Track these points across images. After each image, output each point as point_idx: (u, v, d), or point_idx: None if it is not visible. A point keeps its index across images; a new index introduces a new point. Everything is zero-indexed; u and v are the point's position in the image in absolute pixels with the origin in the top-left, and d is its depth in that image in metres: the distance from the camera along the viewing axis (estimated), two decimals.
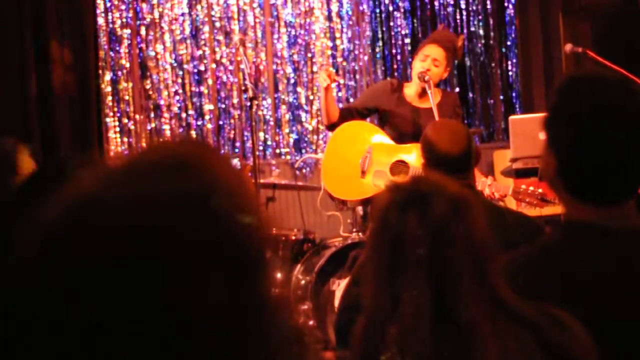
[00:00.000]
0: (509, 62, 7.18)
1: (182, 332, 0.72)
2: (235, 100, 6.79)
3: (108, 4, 6.55)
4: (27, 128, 5.82)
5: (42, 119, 5.90)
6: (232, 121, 6.80)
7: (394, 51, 7.00)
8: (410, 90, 4.71)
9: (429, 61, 4.57)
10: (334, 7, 6.91)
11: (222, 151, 6.51)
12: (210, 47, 6.74)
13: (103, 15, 6.53)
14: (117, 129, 6.60)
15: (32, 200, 1.12)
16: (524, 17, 6.94)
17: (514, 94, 7.18)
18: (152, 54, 6.65)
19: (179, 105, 6.71)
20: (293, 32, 6.87)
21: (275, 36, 6.86)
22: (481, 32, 7.14)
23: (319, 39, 6.90)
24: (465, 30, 7.11)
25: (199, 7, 6.71)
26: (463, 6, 7.08)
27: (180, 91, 6.70)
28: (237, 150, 6.79)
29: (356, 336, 1.59)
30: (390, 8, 7.01)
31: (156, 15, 6.64)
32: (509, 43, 7.17)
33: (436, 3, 7.05)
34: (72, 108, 6.05)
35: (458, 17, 7.09)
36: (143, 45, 6.65)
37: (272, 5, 6.84)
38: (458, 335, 1.47)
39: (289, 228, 5.46)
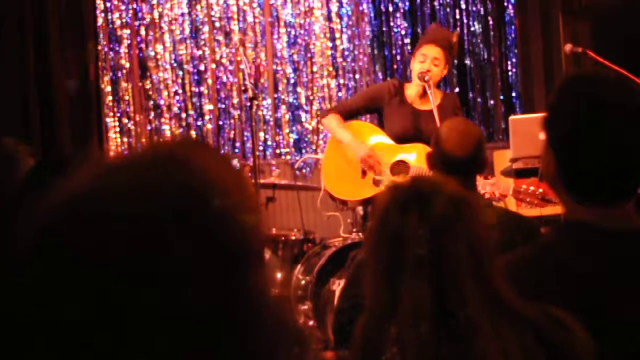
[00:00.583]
0: (509, 62, 7.18)
1: (179, 330, 0.72)
2: (235, 101, 6.79)
3: (108, 4, 6.55)
4: (27, 128, 5.82)
5: (42, 119, 5.90)
6: (232, 121, 6.80)
7: (393, 51, 7.00)
8: (411, 92, 4.71)
9: (428, 61, 4.57)
10: (334, 7, 6.91)
11: (222, 151, 6.51)
12: (210, 47, 6.74)
13: (103, 15, 6.53)
14: (117, 129, 6.60)
15: (32, 195, 1.12)
16: (524, 17, 6.95)
17: (513, 94, 7.18)
18: (152, 54, 6.65)
19: (178, 105, 6.71)
20: (293, 32, 6.87)
21: (275, 36, 6.86)
22: (481, 32, 7.14)
23: (319, 39, 6.90)
24: (465, 30, 7.11)
25: (198, 7, 6.71)
26: (463, 6, 7.08)
27: (180, 91, 6.70)
28: (237, 150, 6.79)
29: (356, 336, 1.59)
30: (390, 8, 7.01)
31: (156, 15, 6.64)
32: (508, 43, 7.17)
33: (436, 3, 7.05)
34: (72, 108, 6.05)
35: (458, 17, 7.09)
36: (143, 46, 6.65)
37: (271, 5, 6.84)
38: (458, 334, 1.47)
39: (289, 228, 5.46)
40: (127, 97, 6.63)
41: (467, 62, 7.14)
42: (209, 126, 6.75)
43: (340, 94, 6.87)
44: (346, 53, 6.96)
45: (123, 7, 6.58)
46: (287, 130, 6.88)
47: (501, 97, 7.18)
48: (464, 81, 7.15)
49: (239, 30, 6.73)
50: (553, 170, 1.74)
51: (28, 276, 0.73)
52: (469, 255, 1.51)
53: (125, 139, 6.62)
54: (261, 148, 6.76)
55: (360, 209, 4.96)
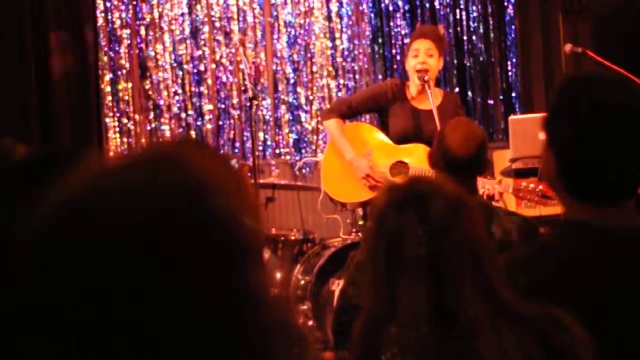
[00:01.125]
0: (509, 62, 7.18)
1: (179, 330, 0.72)
2: (235, 101, 6.79)
3: (108, 4, 6.55)
4: (27, 128, 5.82)
5: (42, 119, 5.90)
6: (231, 121, 6.80)
7: (393, 51, 7.01)
8: (412, 90, 4.70)
9: (422, 54, 4.57)
10: (334, 7, 6.92)
11: (222, 151, 6.51)
12: (210, 47, 6.74)
13: (103, 15, 6.53)
14: (117, 129, 6.60)
15: (25, 191, 1.12)
16: (524, 17, 6.95)
17: (513, 94, 7.18)
18: (152, 54, 6.65)
19: (178, 105, 6.71)
20: (293, 32, 6.87)
21: (275, 36, 6.86)
22: (481, 32, 7.14)
23: (319, 39, 6.90)
24: (465, 30, 7.11)
25: (198, 7, 6.71)
26: (463, 6, 7.08)
27: (180, 91, 6.70)
28: (237, 150, 6.79)
29: (355, 336, 1.59)
30: (390, 8, 7.01)
31: (156, 15, 6.64)
32: (508, 43, 7.17)
33: (436, 3, 7.05)
34: (72, 108, 6.05)
35: (458, 17, 7.09)
36: (143, 46, 6.65)
37: (271, 5, 6.84)
38: (458, 334, 1.47)
39: (289, 228, 5.46)
40: (126, 97, 6.62)
41: (467, 62, 7.14)
42: (209, 126, 6.75)
43: (340, 94, 6.87)
44: (346, 53, 6.96)
45: (123, 7, 6.58)
46: (286, 131, 6.88)
47: (501, 97, 7.18)
48: (464, 81, 7.15)
49: (239, 30, 6.73)
50: (553, 170, 1.74)
51: (26, 276, 0.73)
52: (468, 255, 1.51)
53: (125, 139, 6.62)
54: (261, 148, 6.76)
55: (359, 210, 4.97)
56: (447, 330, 1.47)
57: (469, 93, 7.15)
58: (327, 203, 5.05)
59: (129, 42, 6.61)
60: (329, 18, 6.91)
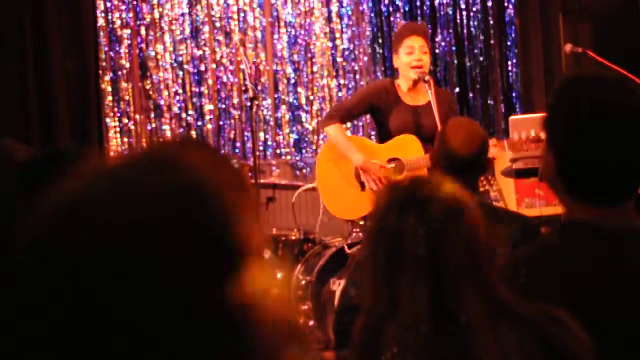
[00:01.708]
0: (509, 62, 7.18)
1: (180, 330, 0.72)
2: (235, 101, 6.79)
3: (108, 4, 6.55)
4: (27, 128, 5.82)
5: (42, 119, 5.90)
6: (232, 121, 6.80)
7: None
8: (403, 88, 4.73)
9: (417, 52, 4.62)
10: (334, 7, 6.92)
11: (222, 151, 6.51)
12: (210, 47, 6.74)
13: (103, 15, 6.53)
14: (117, 129, 6.59)
15: (26, 192, 1.12)
16: (524, 17, 6.95)
17: (514, 94, 7.18)
18: (152, 54, 6.65)
19: (179, 105, 6.71)
20: (293, 32, 6.87)
21: (275, 36, 6.86)
22: (481, 32, 7.14)
23: (319, 39, 6.90)
24: (465, 30, 7.11)
25: (199, 7, 6.71)
26: (463, 6, 7.08)
27: (181, 91, 6.70)
28: (237, 150, 6.79)
29: (356, 336, 1.59)
30: (390, 8, 7.01)
31: (156, 15, 6.64)
32: (508, 43, 7.17)
33: (436, 3, 7.05)
34: (72, 108, 6.05)
35: (458, 17, 7.09)
36: (143, 46, 6.65)
37: (272, 5, 6.84)
38: (457, 335, 1.47)
39: (289, 228, 5.46)
40: (127, 97, 6.62)
41: (467, 62, 7.14)
42: (209, 126, 6.75)
43: (340, 94, 6.87)
44: (346, 53, 6.96)
45: (123, 7, 6.58)
46: (287, 130, 6.88)
47: (501, 97, 7.18)
48: (464, 81, 7.15)
49: (239, 30, 6.73)
50: (553, 170, 1.74)
51: (26, 277, 0.73)
52: (468, 255, 1.51)
53: (125, 139, 6.62)
54: (261, 148, 6.76)
55: None
56: (447, 330, 1.47)
57: (469, 93, 7.15)
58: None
59: (129, 42, 6.61)
60: (329, 18, 6.91)
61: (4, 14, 5.82)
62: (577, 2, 6.67)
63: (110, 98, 6.56)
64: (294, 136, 6.88)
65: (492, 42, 7.15)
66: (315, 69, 6.88)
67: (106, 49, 6.55)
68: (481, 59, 7.16)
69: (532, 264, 1.74)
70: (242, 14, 6.79)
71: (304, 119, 6.89)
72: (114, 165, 0.79)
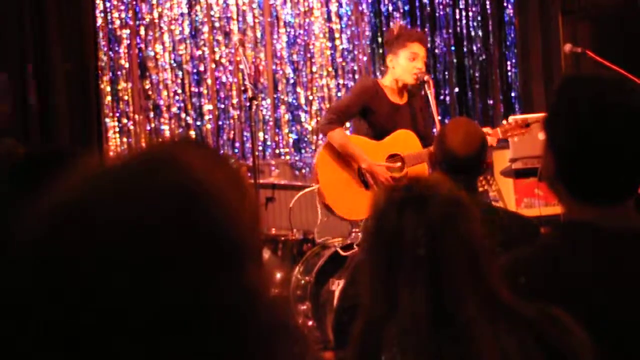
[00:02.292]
0: (508, 62, 7.19)
1: (179, 330, 0.72)
2: (234, 101, 6.79)
3: (107, 4, 6.55)
4: (26, 128, 5.82)
5: (41, 119, 5.90)
6: (231, 121, 6.80)
7: None
8: (389, 88, 4.80)
9: (420, 60, 4.73)
10: (333, 7, 6.92)
11: (221, 151, 6.51)
12: (209, 48, 6.74)
13: (102, 15, 6.53)
14: (117, 129, 6.59)
15: (22, 191, 1.11)
16: (523, 17, 6.95)
17: (513, 94, 7.18)
18: (152, 54, 6.65)
19: (178, 105, 6.71)
20: (292, 32, 6.87)
21: (275, 36, 6.86)
22: (480, 32, 7.14)
23: (319, 39, 6.90)
24: (464, 30, 7.11)
25: (198, 7, 6.70)
26: (462, 6, 7.08)
27: (180, 91, 6.70)
28: (236, 150, 6.79)
29: (355, 336, 1.59)
30: (390, 8, 7.01)
31: (155, 15, 6.63)
32: (508, 43, 7.17)
33: (435, 3, 7.05)
34: (71, 108, 6.05)
35: (457, 17, 7.09)
36: (142, 46, 6.65)
37: (271, 5, 6.84)
38: (457, 335, 1.47)
39: (289, 228, 5.46)
40: (126, 97, 6.62)
41: (467, 62, 7.14)
42: (209, 126, 6.75)
43: (339, 94, 6.87)
44: (346, 53, 6.96)
45: (122, 7, 6.58)
46: (286, 131, 6.88)
47: (500, 97, 7.18)
48: (463, 81, 7.16)
49: (239, 31, 6.73)
50: (553, 171, 1.74)
51: (25, 279, 0.73)
52: (467, 255, 1.51)
53: (124, 139, 6.62)
54: (260, 148, 6.76)
55: None
56: (446, 331, 1.47)
57: (469, 93, 7.15)
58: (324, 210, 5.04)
59: (128, 42, 6.61)
60: (328, 18, 6.91)
61: (4, 14, 5.81)
62: (577, 2, 6.68)
63: (109, 98, 6.56)
64: (293, 136, 6.88)
65: (491, 42, 7.15)
66: (314, 69, 6.88)
67: (105, 49, 6.55)
68: (480, 59, 7.16)
69: (531, 264, 1.74)
70: (241, 14, 6.78)
71: (303, 119, 6.89)
72: (113, 165, 0.79)
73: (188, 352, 0.72)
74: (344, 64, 6.95)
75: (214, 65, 6.74)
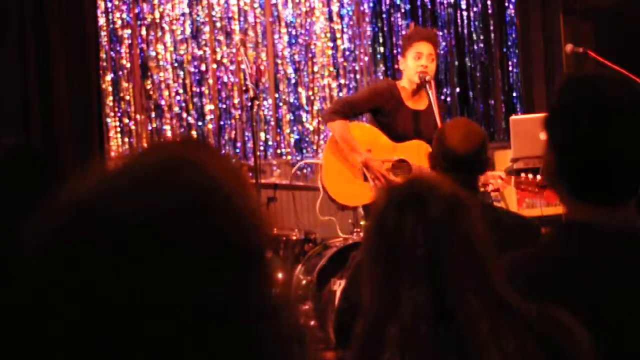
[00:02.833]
0: (510, 63, 7.18)
1: (191, 330, 0.72)
2: (236, 101, 6.79)
3: (109, 4, 6.55)
4: (27, 128, 5.82)
5: (42, 119, 5.90)
6: (233, 121, 6.80)
7: (394, 51, 7.01)
8: (406, 91, 4.76)
9: (425, 58, 4.68)
10: (335, 7, 6.92)
11: (223, 151, 6.52)
12: (211, 47, 6.74)
13: (104, 15, 6.53)
14: (118, 129, 6.60)
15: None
16: (525, 17, 6.94)
17: (514, 94, 7.18)
18: (153, 54, 6.65)
19: (179, 105, 6.71)
20: (294, 32, 6.87)
21: (276, 36, 6.86)
22: (481, 32, 7.14)
23: (320, 39, 6.90)
24: (465, 30, 7.11)
25: (199, 7, 6.71)
26: (463, 6, 7.08)
27: (181, 91, 6.70)
28: (238, 150, 6.79)
29: (356, 336, 1.59)
30: (391, 8, 7.01)
31: (157, 15, 6.64)
32: (509, 43, 7.17)
33: (436, 3, 7.05)
34: (72, 108, 6.05)
35: (458, 17, 7.09)
36: (144, 46, 6.65)
37: (272, 5, 6.84)
38: (458, 335, 1.47)
39: (290, 228, 5.46)
40: (128, 97, 6.63)
41: (468, 62, 7.14)
42: (210, 126, 6.76)
43: (341, 94, 6.87)
44: (347, 53, 6.96)
45: (124, 7, 6.59)
46: (288, 131, 6.88)
47: (502, 98, 7.18)
48: (465, 81, 7.16)
49: (240, 30, 6.73)
50: (554, 171, 1.74)
51: (38, 280, 0.73)
52: (467, 255, 1.51)
53: (126, 139, 6.62)
54: (262, 148, 6.76)
55: (361, 209, 4.97)
56: (446, 330, 1.47)
57: (470, 93, 7.15)
58: (325, 204, 5.05)
59: (130, 42, 6.62)
60: (330, 18, 6.92)
61: (5, 14, 5.82)
62: (578, 2, 6.67)
63: (111, 98, 6.57)
64: (294, 136, 6.88)
65: (492, 42, 7.15)
66: (316, 69, 6.88)
67: (107, 48, 6.55)
68: (482, 59, 7.16)
69: (532, 264, 1.74)
70: (243, 14, 6.79)
71: (304, 119, 6.89)
72: (128, 164, 0.79)
73: (203, 352, 0.72)
74: (345, 64, 6.95)
75: (215, 65, 6.75)
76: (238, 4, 6.76)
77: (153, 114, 6.68)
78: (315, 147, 6.84)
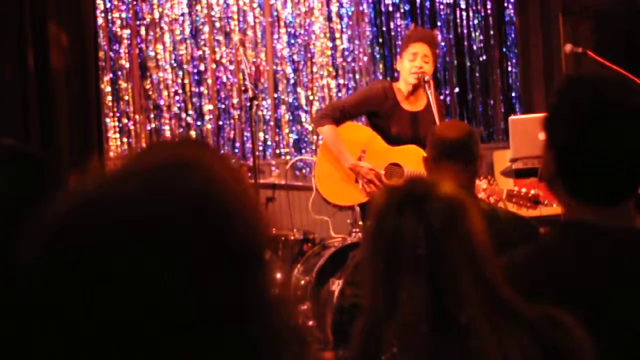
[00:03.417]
0: (509, 63, 7.19)
1: (190, 331, 0.72)
2: (235, 101, 6.79)
3: (108, 4, 6.55)
4: (26, 128, 5.82)
5: (42, 119, 5.90)
6: (232, 121, 6.80)
7: (394, 51, 7.01)
8: (402, 92, 4.75)
9: (419, 59, 4.65)
10: (334, 7, 6.92)
11: (222, 151, 6.52)
12: (210, 48, 6.75)
13: (103, 15, 6.53)
14: (117, 129, 6.60)
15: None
16: (524, 17, 6.95)
17: (513, 94, 7.18)
18: (152, 54, 6.65)
19: (178, 105, 6.71)
20: (293, 32, 6.88)
21: (275, 36, 6.86)
22: (481, 32, 7.14)
23: (319, 39, 6.90)
24: (465, 31, 7.11)
25: (198, 7, 6.71)
26: (463, 6, 7.08)
27: (180, 91, 6.71)
28: (237, 150, 6.79)
29: (355, 337, 1.59)
30: (390, 8, 7.01)
31: (156, 15, 6.64)
32: (508, 43, 7.17)
33: (436, 3, 7.05)
34: (71, 108, 6.05)
35: (458, 17, 7.09)
36: (143, 46, 6.65)
37: (272, 5, 6.84)
38: (457, 335, 1.47)
39: (289, 228, 5.46)
40: (127, 97, 6.63)
41: (467, 62, 7.14)
42: (209, 126, 6.76)
43: (340, 94, 6.87)
44: (346, 53, 6.96)
45: (123, 7, 6.59)
46: (287, 131, 6.88)
47: (501, 98, 7.19)
48: (464, 81, 7.16)
49: (239, 31, 6.74)
50: (553, 171, 1.74)
51: (36, 280, 0.73)
52: (467, 255, 1.51)
53: (125, 139, 6.62)
54: (261, 148, 6.77)
55: (357, 209, 4.97)
56: (446, 330, 1.47)
57: (469, 93, 7.15)
58: (318, 204, 5.06)
59: (129, 42, 6.62)
60: (329, 18, 6.92)
61: (4, 14, 5.81)
62: (578, 2, 6.67)
63: (109, 98, 6.57)
64: (293, 136, 6.88)
65: (492, 42, 7.15)
66: (315, 69, 6.89)
67: (106, 48, 6.55)
68: (481, 59, 7.16)
69: (531, 265, 1.74)
70: (242, 14, 6.79)
71: (303, 119, 6.89)
72: (126, 165, 0.79)
73: (203, 352, 0.72)
74: (344, 64, 6.96)
75: (214, 65, 6.75)
76: (237, 4, 6.76)
77: (152, 114, 6.68)
78: (314, 147, 6.84)
